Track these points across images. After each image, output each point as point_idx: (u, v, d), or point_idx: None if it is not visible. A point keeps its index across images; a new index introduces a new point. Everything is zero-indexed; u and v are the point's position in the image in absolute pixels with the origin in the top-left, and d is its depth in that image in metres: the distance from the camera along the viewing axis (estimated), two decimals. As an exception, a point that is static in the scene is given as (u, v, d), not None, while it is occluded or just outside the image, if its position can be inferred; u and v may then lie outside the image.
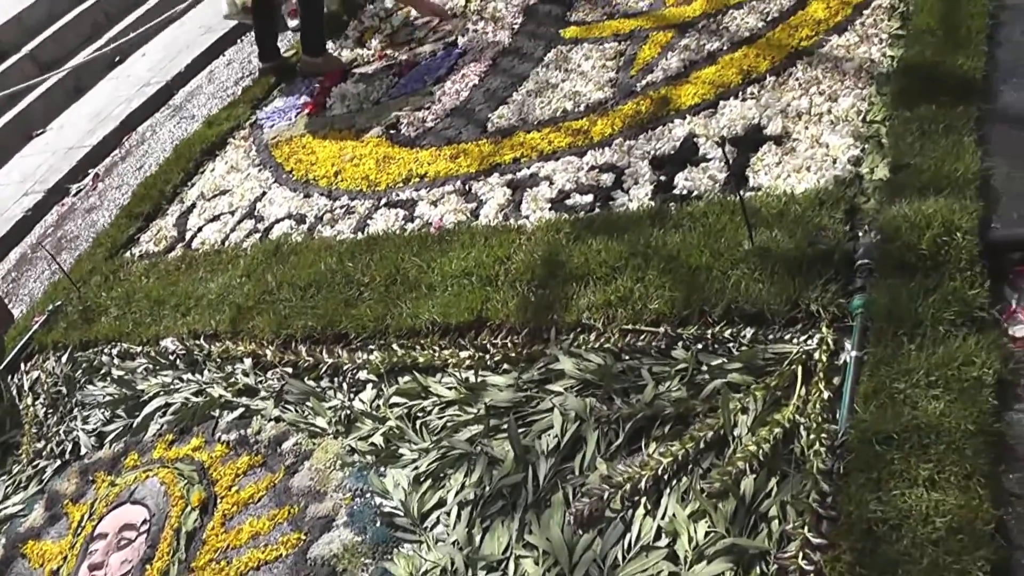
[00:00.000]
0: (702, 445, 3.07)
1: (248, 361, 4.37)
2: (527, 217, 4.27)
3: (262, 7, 6.75)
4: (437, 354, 3.83)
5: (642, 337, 3.46)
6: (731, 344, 3.29)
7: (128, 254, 5.91)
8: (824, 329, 3.16)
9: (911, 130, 3.63)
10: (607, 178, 4.26)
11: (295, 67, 6.90)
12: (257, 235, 5.30)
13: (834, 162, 3.74)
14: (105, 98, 9.18)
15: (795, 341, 3.19)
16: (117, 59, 9.78)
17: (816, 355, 3.10)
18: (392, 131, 5.53)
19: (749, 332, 3.28)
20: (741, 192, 3.48)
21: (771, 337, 3.24)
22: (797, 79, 4.29)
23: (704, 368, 3.25)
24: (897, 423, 2.76)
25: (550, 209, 4.25)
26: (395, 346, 3.97)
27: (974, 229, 3.11)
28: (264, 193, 5.64)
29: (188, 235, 5.73)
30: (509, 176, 4.58)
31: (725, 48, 4.73)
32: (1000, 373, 2.79)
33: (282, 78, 6.97)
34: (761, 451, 2.95)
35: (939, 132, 3.56)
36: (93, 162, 8.06)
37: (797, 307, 3.27)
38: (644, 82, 4.77)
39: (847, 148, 3.77)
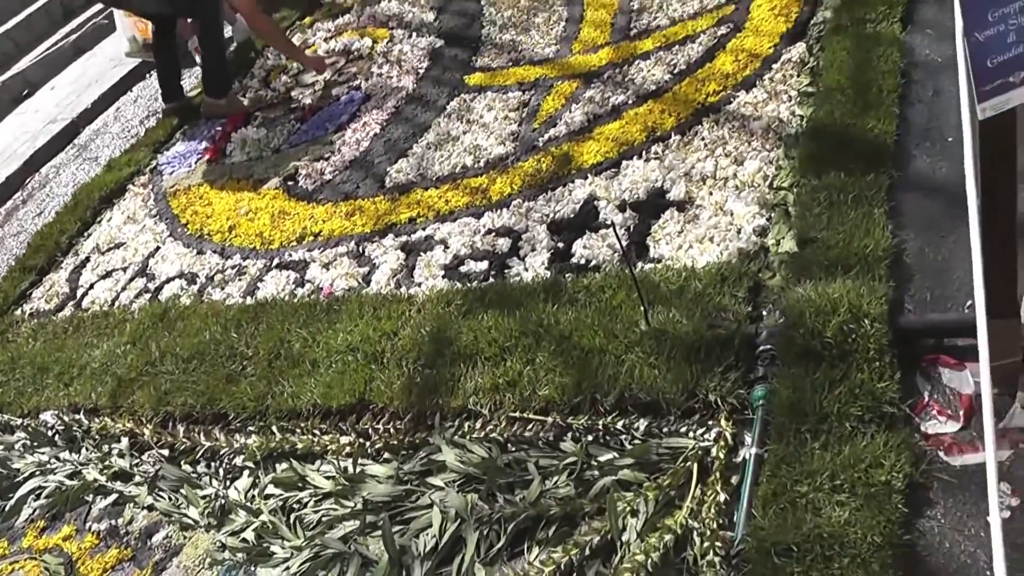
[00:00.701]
0: (588, 552, 2.84)
1: (125, 441, 4.08)
2: (419, 284, 4.00)
3: (162, 47, 6.45)
4: (317, 440, 3.57)
5: (530, 426, 3.22)
6: (623, 436, 3.06)
7: (19, 311, 5.57)
8: (723, 422, 2.94)
9: (819, 199, 3.42)
10: (503, 243, 4.00)
11: (199, 108, 6.57)
12: (147, 295, 4.98)
13: (738, 232, 3.52)
14: (11, 134, 8.78)
15: (691, 435, 2.96)
16: (25, 92, 9.38)
17: (713, 451, 2.88)
18: (290, 182, 5.24)
19: (643, 424, 3.04)
20: (634, 274, 3.22)
21: (666, 430, 3.00)
22: (703, 138, 4.07)
23: (594, 463, 3.00)
24: (798, 532, 2.52)
25: (443, 276, 3.98)
26: (274, 428, 3.70)
27: (883, 315, 2.90)
28: (158, 248, 5.34)
29: (79, 292, 5.41)
30: (404, 238, 4.32)
31: (630, 102, 4.51)
32: (911, 476, 2.57)
33: (185, 119, 6.66)
34: (650, 560, 2.72)
35: (848, 202, 3.36)
36: (-5, 205, 7.68)
37: (694, 396, 3.04)
38: (546, 136, 4.53)
39: (752, 217, 3.55)
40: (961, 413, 2.74)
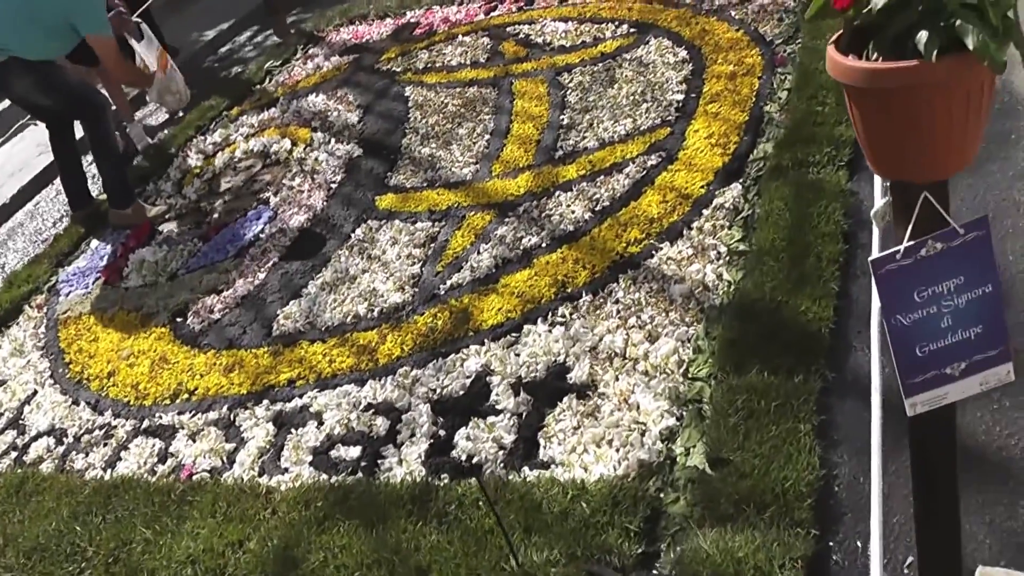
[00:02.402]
0: None
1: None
2: (284, 471, 3.40)
3: (60, 151, 5.90)
4: None
5: None
6: None
7: None
8: None
9: (737, 404, 2.83)
10: (381, 424, 3.42)
11: (107, 214, 6.01)
12: (14, 453, 4.39)
13: (642, 435, 2.91)
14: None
15: None
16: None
17: None
18: (179, 319, 4.66)
19: None
20: (501, 522, 2.61)
21: None
22: (617, 301, 3.48)
23: None
24: None
25: (310, 463, 3.38)
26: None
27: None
28: (36, 392, 4.74)
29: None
30: (279, 406, 3.75)
31: (544, 245, 3.93)
32: None
33: (93, 228, 6.08)
34: None
35: (771, 413, 2.77)
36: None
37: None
38: (448, 284, 3.95)
39: (660, 415, 2.95)
40: None
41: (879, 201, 1.88)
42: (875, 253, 1.61)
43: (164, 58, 5.74)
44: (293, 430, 3.62)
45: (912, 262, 1.50)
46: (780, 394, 2.79)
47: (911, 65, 1.32)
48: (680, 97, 4.63)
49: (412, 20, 7.25)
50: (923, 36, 1.32)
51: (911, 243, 1.49)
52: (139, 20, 5.82)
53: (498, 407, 3.28)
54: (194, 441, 3.84)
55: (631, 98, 4.76)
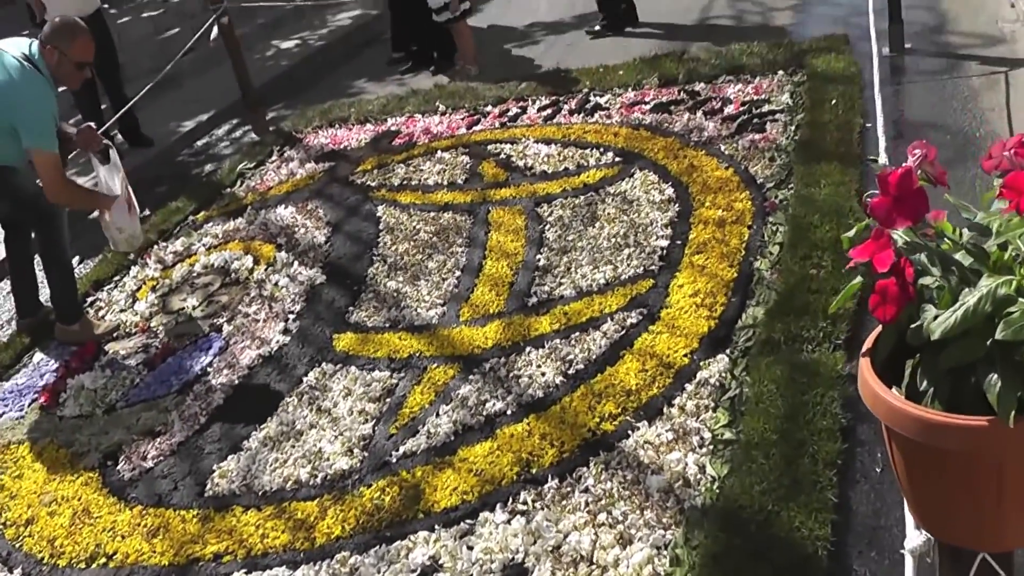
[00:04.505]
0: None
1: None
2: None
3: (13, 256, 5.53)
4: None
5: None
6: None
7: None
8: None
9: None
10: (308, 630, 2.97)
11: (54, 324, 5.61)
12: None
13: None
14: None
15: None
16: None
17: None
18: (110, 462, 4.24)
19: None
20: None
21: None
22: (586, 491, 3.10)
23: None
24: None
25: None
26: None
27: None
28: (-52, 535, 4.30)
29: None
30: (200, 587, 3.29)
31: (509, 412, 3.56)
32: None
33: (39, 338, 5.67)
34: None
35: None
36: None
37: None
38: (402, 450, 3.56)
39: (627, 651, 2.51)
40: None
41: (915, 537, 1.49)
42: None
43: (128, 192, 5.31)
44: (214, 620, 3.18)
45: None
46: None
47: (982, 425, 0.95)
48: (665, 243, 4.29)
49: (393, 128, 6.95)
50: (995, 382, 0.95)
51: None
52: (108, 143, 5.38)
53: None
54: (97, 626, 3.39)
55: (613, 240, 4.42)
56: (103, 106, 8.28)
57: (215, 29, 7.76)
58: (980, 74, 5.47)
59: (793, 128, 5.07)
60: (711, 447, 3.08)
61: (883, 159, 3.23)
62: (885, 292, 1.28)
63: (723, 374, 3.35)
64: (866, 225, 1.59)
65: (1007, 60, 5.56)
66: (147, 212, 6.72)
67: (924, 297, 1.27)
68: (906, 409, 1.02)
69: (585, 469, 3.19)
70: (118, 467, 4.23)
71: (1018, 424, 0.95)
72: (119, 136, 8.46)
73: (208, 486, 3.85)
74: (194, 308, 5.30)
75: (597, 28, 8.34)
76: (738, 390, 3.22)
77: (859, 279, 1.46)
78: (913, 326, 1.07)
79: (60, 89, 5.16)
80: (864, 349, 1.13)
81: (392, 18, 9.04)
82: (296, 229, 5.70)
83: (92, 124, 5.52)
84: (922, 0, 7.00)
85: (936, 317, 1.05)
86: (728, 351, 3.47)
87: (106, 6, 11.27)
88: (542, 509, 3.10)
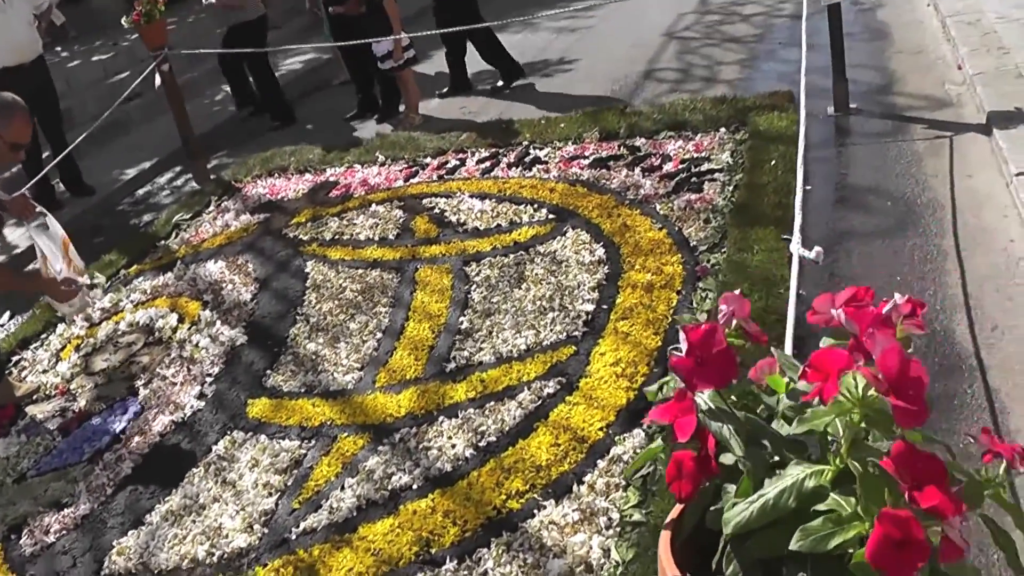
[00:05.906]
0: None
1: None
2: None
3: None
4: None
5: None
6: None
7: None
8: None
9: None
10: None
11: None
12: None
13: None
14: None
15: None
16: None
17: None
18: (13, 536, 4.03)
19: None
20: None
21: None
22: (484, 574, 2.90)
23: None
24: None
25: None
26: None
27: None
28: None
29: None
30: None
31: (415, 487, 3.39)
32: None
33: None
34: None
35: None
36: None
37: None
38: (302, 527, 3.39)
39: None
40: None
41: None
42: None
43: (71, 258, 5.02)
44: None
45: None
46: None
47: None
48: (590, 307, 4.16)
49: (331, 179, 6.80)
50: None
51: None
52: (43, 210, 5.10)
53: None
54: None
55: (538, 304, 4.28)
56: (44, 154, 8.09)
57: (157, 76, 7.62)
58: (925, 138, 5.38)
59: (731, 189, 4.96)
60: (618, 529, 2.92)
61: (796, 238, 3.08)
62: (681, 466, 1.16)
63: (637, 451, 3.19)
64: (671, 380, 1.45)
65: (952, 124, 5.47)
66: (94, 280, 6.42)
67: (729, 475, 1.14)
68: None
69: (485, 551, 3.03)
70: (21, 541, 4.01)
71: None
72: (60, 185, 8.28)
73: (106, 563, 3.65)
74: (114, 369, 5.10)
75: (446, 90, 8.39)
76: (651, 468, 3.06)
77: (659, 442, 1.31)
78: (713, 508, 0.93)
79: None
80: (668, 519, 0.98)
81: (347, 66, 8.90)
82: (224, 285, 5.53)
83: (25, 192, 5.32)
84: (870, 59, 6.93)
85: (736, 504, 0.92)
86: (645, 426, 3.32)
87: (58, 48, 11.16)
88: (439, 597, 2.92)
